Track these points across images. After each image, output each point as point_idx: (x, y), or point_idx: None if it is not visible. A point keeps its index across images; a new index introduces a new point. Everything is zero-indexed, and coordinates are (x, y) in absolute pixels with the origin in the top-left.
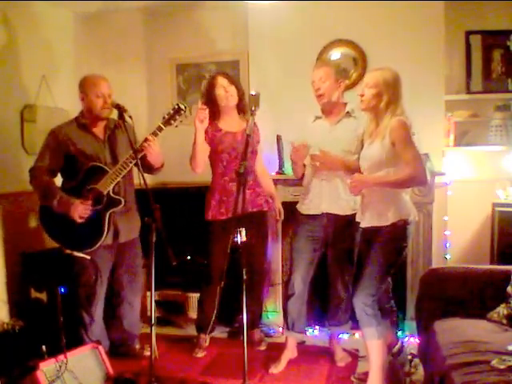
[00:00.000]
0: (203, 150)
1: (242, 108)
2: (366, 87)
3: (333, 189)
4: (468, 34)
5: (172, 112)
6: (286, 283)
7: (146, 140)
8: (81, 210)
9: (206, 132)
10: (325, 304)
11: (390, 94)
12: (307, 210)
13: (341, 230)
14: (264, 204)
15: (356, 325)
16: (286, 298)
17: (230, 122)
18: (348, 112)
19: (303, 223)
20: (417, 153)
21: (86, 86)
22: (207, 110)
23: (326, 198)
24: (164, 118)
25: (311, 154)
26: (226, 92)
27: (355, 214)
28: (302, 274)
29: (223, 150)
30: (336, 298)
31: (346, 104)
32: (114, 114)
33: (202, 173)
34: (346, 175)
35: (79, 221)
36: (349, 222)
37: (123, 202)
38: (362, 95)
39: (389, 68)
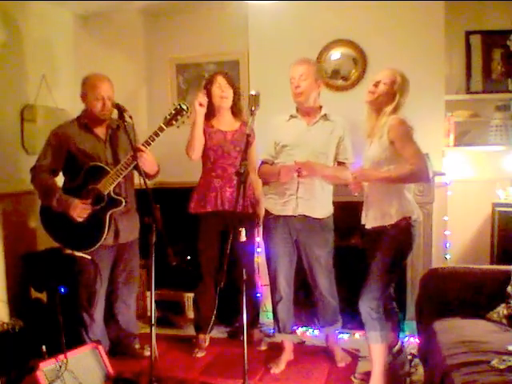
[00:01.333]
0: (201, 135)
1: (236, 111)
2: (381, 82)
3: (309, 191)
4: (468, 33)
5: (174, 112)
6: (272, 289)
7: (138, 150)
8: (80, 210)
9: None
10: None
11: (402, 94)
12: (281, 211)
13: (315, 232)
14: (248, 207)
15: (353, 325)
16: (275, 303)
17: (223, 122)
18: (325, 114)
19: (276, 227)
20: (417, 149)
21: (86, 87)
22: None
23: (302, 199)
24: (166, 118)
25: (295, 161)
26: (221, 92)
27: (330, 217)
28: (286, 277)
29: (211, 146)
30: (319, 301)
31: (321, 107)
32: (115, 114)
33: (196, 160)
34: (326, 180)
35: (78, 220)
36: (324, 225)
37: (124, 203)
38: (376, 85)
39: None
